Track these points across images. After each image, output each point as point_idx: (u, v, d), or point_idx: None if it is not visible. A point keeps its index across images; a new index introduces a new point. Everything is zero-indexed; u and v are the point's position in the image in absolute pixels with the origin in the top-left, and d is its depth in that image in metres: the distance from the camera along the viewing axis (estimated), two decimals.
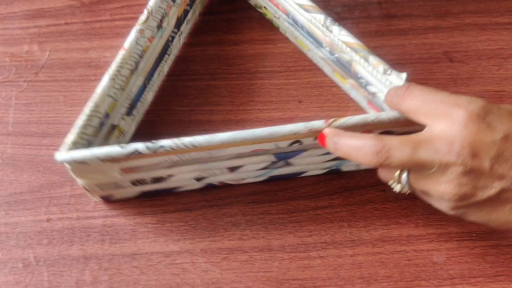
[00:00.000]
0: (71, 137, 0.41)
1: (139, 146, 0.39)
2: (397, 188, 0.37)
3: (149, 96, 0.50)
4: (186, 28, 0.55)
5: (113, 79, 0.43)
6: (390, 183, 0.37)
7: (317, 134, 0.39)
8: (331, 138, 0.37)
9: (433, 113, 0.34)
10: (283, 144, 0.41)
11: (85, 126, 0.42)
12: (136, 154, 0.39)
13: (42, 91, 0.52)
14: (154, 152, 0.39)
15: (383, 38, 0.56)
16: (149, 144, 0.38)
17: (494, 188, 0.33)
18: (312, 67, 0.53)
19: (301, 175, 0.46)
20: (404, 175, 0.36)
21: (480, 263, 0.42)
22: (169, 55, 0.52)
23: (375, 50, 0.55)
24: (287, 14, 0.51)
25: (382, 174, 0.38)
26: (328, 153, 0.42)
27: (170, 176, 0.43)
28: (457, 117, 0.33)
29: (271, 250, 0.43)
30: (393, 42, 0.55)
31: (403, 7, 0.58)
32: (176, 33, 0.52)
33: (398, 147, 0.34)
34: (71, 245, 0.43)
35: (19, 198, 0.46)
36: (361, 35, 0.56)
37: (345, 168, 0.46)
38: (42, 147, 0.49)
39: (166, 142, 0.38)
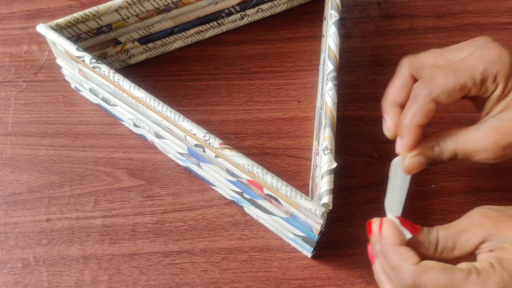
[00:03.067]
0: (59, 20, 0.46)
1: (86, 56, 0.44)
2: None
3: (176, 43, 0.54)
4: (255, 14, 0.56)
5: (129, 3, 0.47)
6: None
7: (209, 148, 0.40)
8: (374, 244, 0.35)
9: None
10: (190, 140, 0.42)
11: (78, 20, 0.46)
12: (82, 60, 0.44)
13: (42, 91, 0.52)
14: (93, 68, 0.44)
15: (383, 38, 0.56)
16: (92, 59, 0.44)
17: None
18: (311, 67, 0.53)
19: (213, 187, 0.46)
20: None
21: None
22: (219, 25, 0.55)
23: (375, 50, 0.55)
24: None
25: None
26: (232, 181, 0.42)
27: (115, 105, 0.48)
28: None
29: (271, 250, 0.43)
30: (393, 42, 0.55)
31: (403, 7, 0.59)
32: (237, 11, 0.54)
33: None
34: (70, 245, 0.43)
35: (19, 198, 0.46)
36: (361, 35, 0.56)
37: (246, 210, 0.45)
38: (41, 147, 0.49)
39: (104, 68, 0.43)
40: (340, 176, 0.46)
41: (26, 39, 0.56)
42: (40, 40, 0.56)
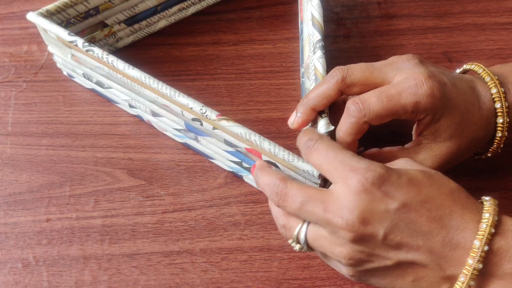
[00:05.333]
0: (49, 6, 0.47)
1: (78, 40, 0.45)
2: (296, 247, 0.36)
3: (160, 22, 0.55)
4: None
5: None
6: (289, 241, 0.36)
7: (206, 120, 0.41)
8: (256, 170, 0.38)
9: (333, 174, 0.34)
10: (187, 115, 0.42)
11: (67, 4, 0.48)
12: (75, 45, 0.45)
13: (41, 91, 0.52)
14: (86, 51, 0.45)
15: (383, 38, 0.56)
16: (85, 43, 0.45)
17: (390, 259, 0.32)
18: None
19: (212, 160, 0.47)
20: (302, 234, 0.35)
21: None
22: (200, 0, 0.57)
23: (375, 50, 0.55)
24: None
25: (283, 231, 0.37)
26: (230, 152, 0.44)
27: (109, 87, 0.48)
28: (351, 183, 0.32)
29: (271, 250, 0.43)
30: (393, 42, 0.55)
31: (403, 7, 0.59)
32: None
33: (293, 196, 0.34)
34: (70, 245, 0.43)
35: (19, 198, 0.46)
36: (361, 35, 0.57)
37: (246, 179, 0.46)
38: (41, 147, 0.49)
39: (97, 50, 0.44)
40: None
41: (26, 39, 0.56)
42: (40, 40, 0.56)
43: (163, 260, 0.42)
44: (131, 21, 0.53)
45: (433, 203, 0.32)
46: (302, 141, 0.37)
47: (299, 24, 0.55)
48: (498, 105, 0.39)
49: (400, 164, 0.36)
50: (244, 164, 0.44)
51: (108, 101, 0.51)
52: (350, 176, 0.32)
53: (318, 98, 0.40)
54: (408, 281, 0.33)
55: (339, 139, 0.39)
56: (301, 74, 0.50)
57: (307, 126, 0.41)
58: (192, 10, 0.56)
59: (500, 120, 0.40)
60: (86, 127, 0.50)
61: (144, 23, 0.54)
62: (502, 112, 0.39)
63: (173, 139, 0.49)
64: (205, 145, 0.46)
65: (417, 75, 0.37)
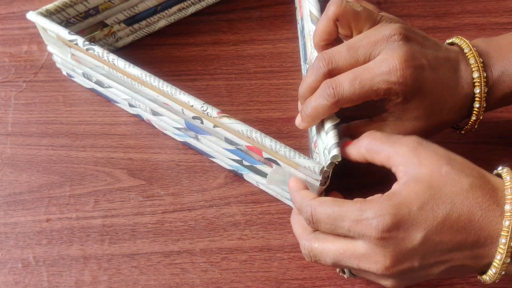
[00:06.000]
0: (49, 6, 0.48)
1: (79, 39, 0.45)
2: (344, 276, 0.39)
3: (160, 22, 0.55)
4: None
5: None
6: (337, 270, 0.40)
7: (207, 118, 0.42)
8: (292, 186, 0.39)
9: (351, 235, 0.34)
10: (188, 113, 0.43)
11: (66, 4, 0.48)
12: (75, 44, 0.45)
13: (41, 91, 0.52)
14: (87, 50, 0.45)
15: None
16: (85, 42, 0.45)
17: (432, 274, 0.34)
18: None
19: (212, 159, 0.47)
20: (346, 270, 0.38)
21: None
22: (200, 0, 0.57)
23: None
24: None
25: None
26: (231, 150, 0.44)
27: (109, 87, 0.48)
28: (371, 235, 0.33)
29: (271, 250, 0.43)
30: None
31: (402, 7, 0.59)
32: None
33: (323, 256, 0.35)
34: (70, 245, 0.43)
35: (18, 198, 0.46)
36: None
37: (246, 177, 0.46)
38: (41, 147, 0.49)
39: (97, 49, 0.44)
40: (340, 176, 0.46)
41: (26, 39, 0.56)
42: (40, 40, 0.56)
43: (163, 260, 0.42)
44: (131, 21, 0.53)
45: (451, 219, 0.32)
46: (298, 230, 0.38)
47: (299, 21, 0.55)
48: (477, 90, 0.39)
49: (406, 176, 0.35)
50: (245, 162, 0.44)
51: (108, 101, 0.51)
52: (365, 233, 0.33)
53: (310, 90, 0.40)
54: (449, 276, 0.35)
55: (309, 115, 0.39)
56: (305, 71, 0.50)
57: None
58: (192, 10, 0.56)
59: (476, 105, 0.40)
60: (86, 127, 0.50)
61: (143, 23, 0.54)
62: (480, 98, 0.39)
63: (173, 138, 0.49)
64: (205, 144, 0.46)
65: (394, 59, 0.37)
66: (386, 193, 0.34)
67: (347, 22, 0.40)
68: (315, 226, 0.35)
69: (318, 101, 0.38)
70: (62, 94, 0.52)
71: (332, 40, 0.41)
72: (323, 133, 0.41)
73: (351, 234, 0.33)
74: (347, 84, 0.37)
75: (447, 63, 0.39)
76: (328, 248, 0.35)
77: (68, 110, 0.51)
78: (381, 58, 0.37)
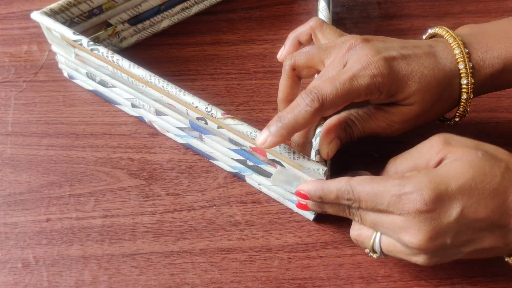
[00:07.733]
0: (53, 5, 0.48)
1: (83, 39, 0.45)
2: (374, 256, 0.39)
3: (164, 22, 0.55)
4: None
5: None
6: (366, 251, 0.39)
7: (212, 119, 0.42)
8: (310, 187, 0.39)
9: (390, 211, 0.35)
10: (192, 114, 0.43)
11: (70, 3, 0.48)
12: (79, 44, 0.45)
13: (41, 91, 0.52)
14: (91, 50, 0.45)
15: None
16: (90, 42, 0.45)
17: (462, 252, 0.36)
18: None
19: (214, 161, 0.47)
20: (377, 246, 0.37)
21: (479, 263, 0.42)
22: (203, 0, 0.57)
23: None
24: None
25: (356, 242, 0.39)
26: (235, 150, 0.44)
27: (113, 86, 0.48)
28: (409, 209, 0.34)
29: (271, 250, 0.43)
30: None
31: (403, 7, 0.59)
32: None
33: (365, 220, 0.37)
34: (70, 245, 0.43)
35: (19, 198, 0.46)
36: (361, 35, 0.56)
37: (248, 179, 0.46)
38: (41, 147, 0.49)
39: (102, 49, 0.45)
40: (340, 176, 0.46)
41: (26, 39, 0.56)
42: (40, 40, 0.56)
43: (163, 260, 0.42)
44: (134, 20, 0.53)
45: (486, 199, 0.34)
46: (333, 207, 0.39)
47: None
48: (461, 65, 0.40)
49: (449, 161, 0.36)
50: (249, 162, 0.44)
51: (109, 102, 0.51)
52: (404, 207, 0.34)
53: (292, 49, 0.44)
54: (478, 256, 0.37)
55: (285, 127, 0.37)
56: None
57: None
58: (195, 9, 0.56)
59: (464, 81, 0.40)
60: (86, 127, 0.50)
61: (147, 22, 0.54)
62: (466, 73, 0.40)
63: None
64: (209, 144, 0.46)
65: (363, 57, 0.38)
66: (425, 170, 0.35)
67: (306, 67, 0.41)
68: (356, 205, 0.36)
69: (299, 109, 0.37)
70: (62, 94, 0.52)
71: (295, 95, 0.42)
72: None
73: (390, 209, 0.34)
74: (328, 85, 0.37)
75: (418, 49, 0.40)
76: (372, 218, 0.36)
77: (68, 110, 0.51)
78: (350, 63, 0.39)
